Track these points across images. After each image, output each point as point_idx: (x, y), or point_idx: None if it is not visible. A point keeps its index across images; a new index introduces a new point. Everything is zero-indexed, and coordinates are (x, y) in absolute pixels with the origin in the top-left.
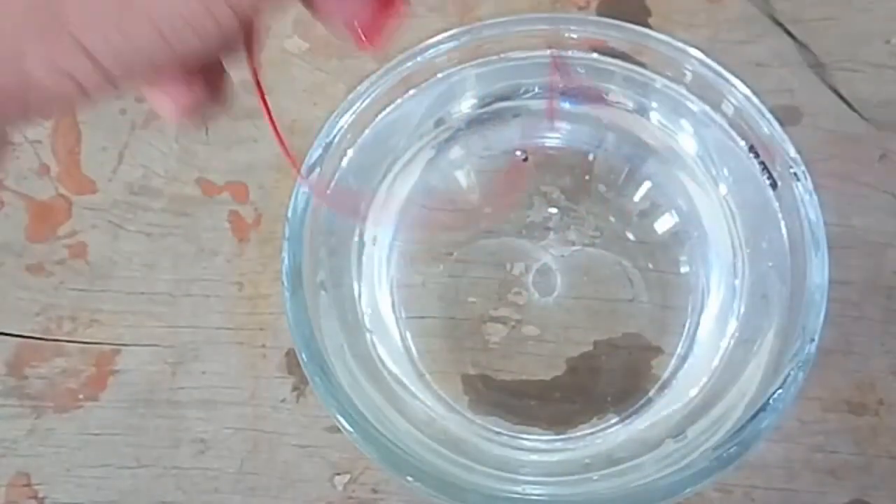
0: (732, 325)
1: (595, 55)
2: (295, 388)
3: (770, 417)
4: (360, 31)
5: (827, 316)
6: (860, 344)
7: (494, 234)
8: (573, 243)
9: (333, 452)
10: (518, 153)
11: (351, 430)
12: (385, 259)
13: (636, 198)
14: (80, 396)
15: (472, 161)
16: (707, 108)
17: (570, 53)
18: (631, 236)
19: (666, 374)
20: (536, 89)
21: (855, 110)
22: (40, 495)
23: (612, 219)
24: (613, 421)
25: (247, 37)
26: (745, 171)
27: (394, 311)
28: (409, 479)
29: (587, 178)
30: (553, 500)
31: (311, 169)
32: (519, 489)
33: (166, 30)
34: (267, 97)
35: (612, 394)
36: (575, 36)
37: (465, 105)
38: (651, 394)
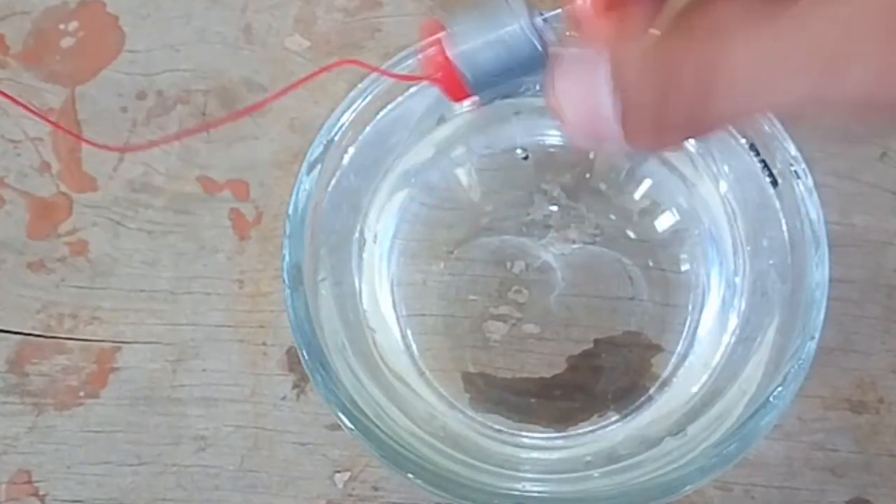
0: (733, 323)
1: None
2: (295, 386)
3: (770, 415)
4: None
5: (827, 314)
6: (861, 342)
7: (495, 231)
8: (574, 241)
9: (334, 450)
10: (519, 151)
11: (352, 427)
12: (385, 257)
13: (637, 196)
14: (81, 394)
15: (472, 159)
16: None
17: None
18: (631, 234)
19: (666, 372)
20: (537, 87)
21: None
22: (41, 492)
23: (612, 217)
24: (614, 419)
25: None
26: (745, 169)
27: (394, 309)
28: (410, 476)
29: (588, 175)
30: (553, 498)
31: (311, 166)
32: (519, 486)
33: None
34: None
35: (613, 392)
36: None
37: (466, 103)
38: (651, 391)
